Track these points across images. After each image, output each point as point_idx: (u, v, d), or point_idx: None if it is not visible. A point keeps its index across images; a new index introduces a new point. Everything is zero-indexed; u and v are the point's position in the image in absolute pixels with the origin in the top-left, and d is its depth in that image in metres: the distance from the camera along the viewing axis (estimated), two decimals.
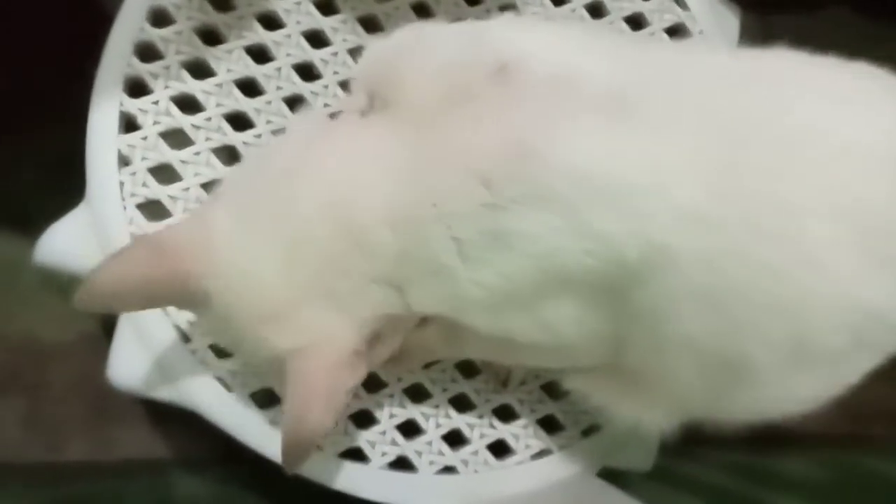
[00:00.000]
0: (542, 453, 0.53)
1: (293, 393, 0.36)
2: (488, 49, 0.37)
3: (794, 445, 0.69)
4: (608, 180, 0.33)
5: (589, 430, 0.54)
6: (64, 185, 0.50)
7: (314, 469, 0.48)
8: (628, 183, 0.33)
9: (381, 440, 0.51)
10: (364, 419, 0.51)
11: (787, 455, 0.68)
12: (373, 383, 0.51)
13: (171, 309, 0.47)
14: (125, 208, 0.49)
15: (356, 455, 0.50)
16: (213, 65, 0.54)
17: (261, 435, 0.48)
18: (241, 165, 0.46)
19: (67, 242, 0.48)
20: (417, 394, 0.52)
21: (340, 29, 0.56)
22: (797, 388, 0.37)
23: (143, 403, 0.61)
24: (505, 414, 0.54)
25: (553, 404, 0.54)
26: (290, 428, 0.37)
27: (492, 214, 0.34)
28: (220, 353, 0.48)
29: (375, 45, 0.41)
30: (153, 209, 0.50)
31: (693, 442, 0.52)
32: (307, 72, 0.56)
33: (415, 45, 0.39)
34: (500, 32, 0.38)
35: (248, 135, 0.53)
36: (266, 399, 0.49)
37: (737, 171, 0.33)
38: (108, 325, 0.51)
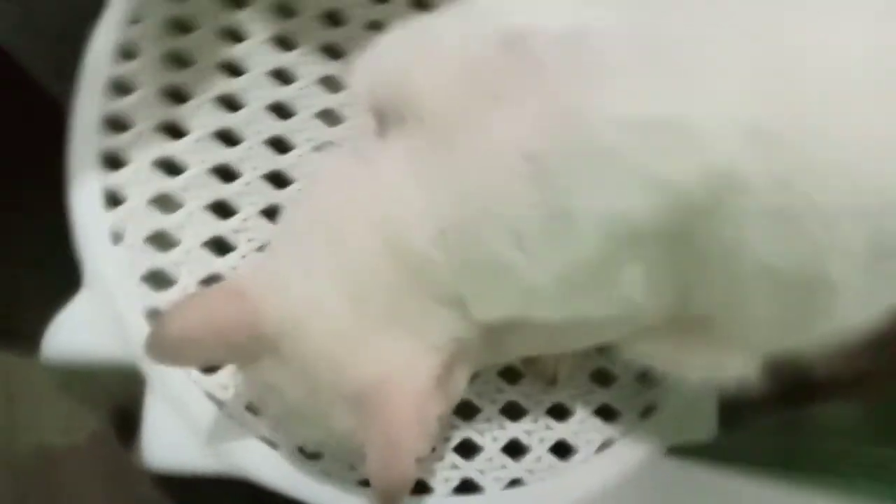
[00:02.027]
0: (604, 445, 0.51)
1: (382, 425, 0.34)
2: (492, 29, 0.35)
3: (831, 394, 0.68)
4: (657, 121, 0.31)
5: (647, 412, 0.52)
6: (52, 279, 0.47)
7: None
8: (679, 117, 0.31)
9: (440, 466, 0.49)
10: None
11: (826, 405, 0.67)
12: None
13: (199, 375, 0.45)
14: (130, 285, 0.47)
15: (418, 488, 0.48)
16: (187, 123, 0.52)
17: (318, 488, 0.45)
18: (284, 217, 0.45)
19: (76, 333, 0.46)
20: (466, 410, 0.50)
21: (303, 62, 0.55)
22: (877, 297, 0.36)
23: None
24: (559, 413, 0.52)
25: (605, 392, 0.52)
26: (385, 464, 0.34)
27: (546, 194, 0.33)
28: (257, 411, 0.46)
29: (366, 63, 0.39)
30: (158, 279, 0.48)
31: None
32: (283, 111, 0.55)
33: (414, 48, 0.38)
34: (496, 9, 0.37)
35: (238, 184, 0.51)
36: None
37: (787, 81, 0.32)
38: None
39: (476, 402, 0.51)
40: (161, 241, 0.49)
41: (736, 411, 0.52)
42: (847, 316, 0.36)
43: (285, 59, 0.55)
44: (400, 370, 0.35)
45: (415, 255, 0.35)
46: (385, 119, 0.37)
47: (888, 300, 0.36)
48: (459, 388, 0.39)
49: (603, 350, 0.54)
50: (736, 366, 0.40)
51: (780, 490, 0.39)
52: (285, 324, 0.36)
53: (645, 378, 0.53)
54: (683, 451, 0.51)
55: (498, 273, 0.34)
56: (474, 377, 0.51)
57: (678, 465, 0.48)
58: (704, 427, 0.52)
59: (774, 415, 0.62)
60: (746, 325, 0.37)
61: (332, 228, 0.37)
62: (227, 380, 0.46)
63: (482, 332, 0.37)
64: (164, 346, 0.36)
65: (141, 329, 0.45)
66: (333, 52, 0.57)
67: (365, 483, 0.46)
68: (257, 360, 0.37)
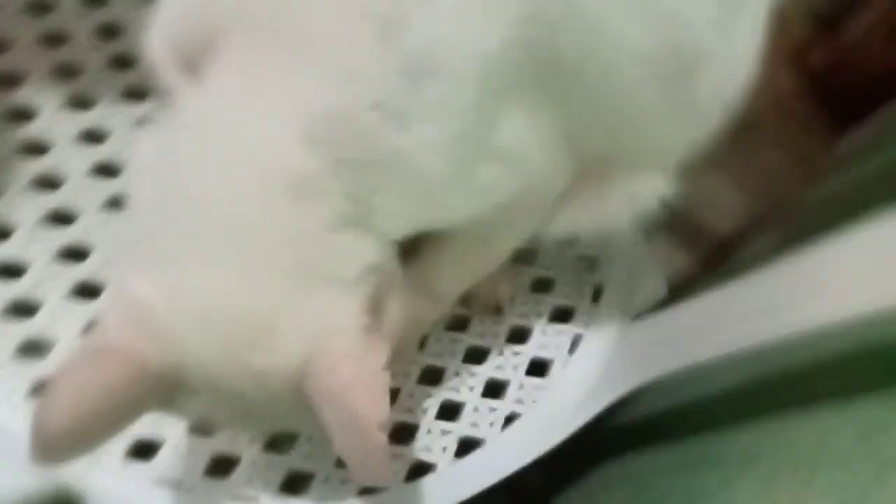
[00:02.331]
0: (574, 343, 0.50)
1: (332, 406, 0.31)
2: None
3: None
4: None
5: (597, 295, 0.52)
6: None
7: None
8: None
9: (431, 439, 0.46)
10: (405, 433, 0.46)
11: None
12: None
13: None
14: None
15: (419, 470, 0.45)
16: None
17: None
18: (120, 221, 0.40)
19: None
20: (433, 376, 0.48)
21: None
22: (742, 46, 0.36)
23: None
24: (520, 336, 0.50)
25: (551, 297, 0.51)
26: (352, 444, 0.31)
27: (398, 54, 0.31)
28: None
29: (160, 23, 0.36)
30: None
31: None
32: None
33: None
34: None
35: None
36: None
37: None
38: None
39: (438, 363, 0.48)
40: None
41: (671, 294, 0.52)
42: (724, 81, 0.36)
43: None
44: (324, 336, 0.31)
45: (289, 178, 0.31)
46: (194, 67, 0.34)
47: (755, 51, 0.37)
48: (395, 320, 0.35)
49: (533, 259, 0.53)
50: (651, 187, 0.40)
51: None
52: (177, 354, 0.31)
53: (581, 266, 0.53)
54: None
55: (380, 165, 0.32)
56: (425, 341, 0.49)
57: (651, 322, 0.47)
58: (654, 285, 0.52)
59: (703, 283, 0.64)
60: (643, 135, 0.37)
61: (183, 210, 0.32)
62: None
63: (395, 255, 0.34)
64: (53, 445, 0.29)
65: None
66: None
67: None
68: (171, 400, 0.32)
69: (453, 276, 0.43)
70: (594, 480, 0.51)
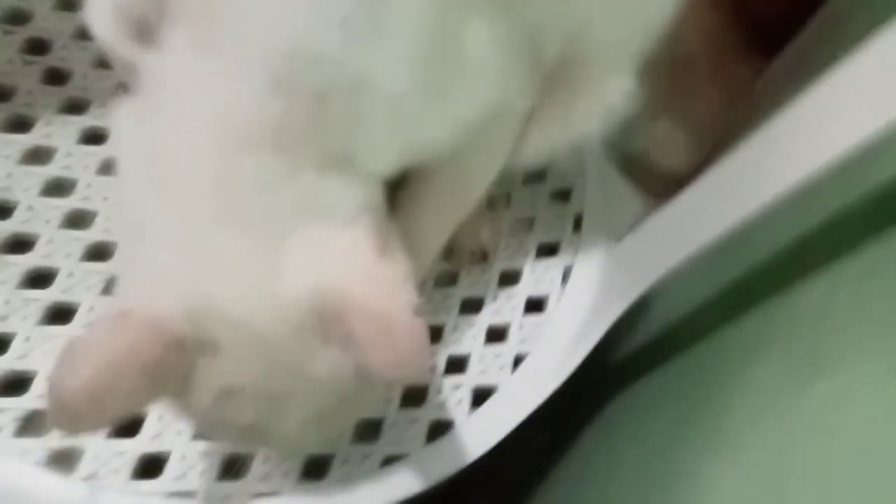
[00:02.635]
0: (566, 274, 0.49)
1: (359, 309, 0.29)
2: None
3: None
4: None
5: (577, 224, 0.51)
6: None
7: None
8: None
9: (445, 395, 0.44)
10: (415, 396, 0.44)
11: None
12: None
13: None
14: None
15: (439, 429, 0.43)
16: None
17: None
18: (118, 208, 0.39)
19: None
20: (432, 335, 0.46)
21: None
22: None
23: None
24: (511, 279, 0.49)
25: (533, 234, 0.51)
26: (387, 346, 0.29)
27: None
28: None
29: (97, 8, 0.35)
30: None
31: None
32: None
33: None
34: None
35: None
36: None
37: None
38: None
39: (435, 321, 0.47)
40: None
41: None
42: None
43: None
44: (338, 257, 0.31)
45: (266, 125, 0.30)
46: (148, 31, 0.33)
47: None
48: (402, 256, 0.33)
49: (509, 203, 0.52)
50: (614, 86, 0.40)
51: None
52: (197, 310, 0.30)
53: (554, 201, 0.52)
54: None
55: (353, 89, 0.31)
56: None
57: (636, 235, 0.47)
58: (630, 202, 0.51)
59: None
60: (601, 36, 0.37)
61: (171, 175, 0.31)
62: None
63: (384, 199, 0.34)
64: (74, 409, 0.28)
65: None
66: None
67: None
68: (186, 376, 0.31)
69: (436, 222, 0.42)
70: (602, 420, 0.50)
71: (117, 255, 0.35)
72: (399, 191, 0.40)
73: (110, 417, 0.31)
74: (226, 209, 0.31)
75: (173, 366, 0.30)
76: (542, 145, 0.42)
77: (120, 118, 0.34)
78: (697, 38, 0.80)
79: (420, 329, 0.29)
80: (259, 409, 0.33)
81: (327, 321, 0.30)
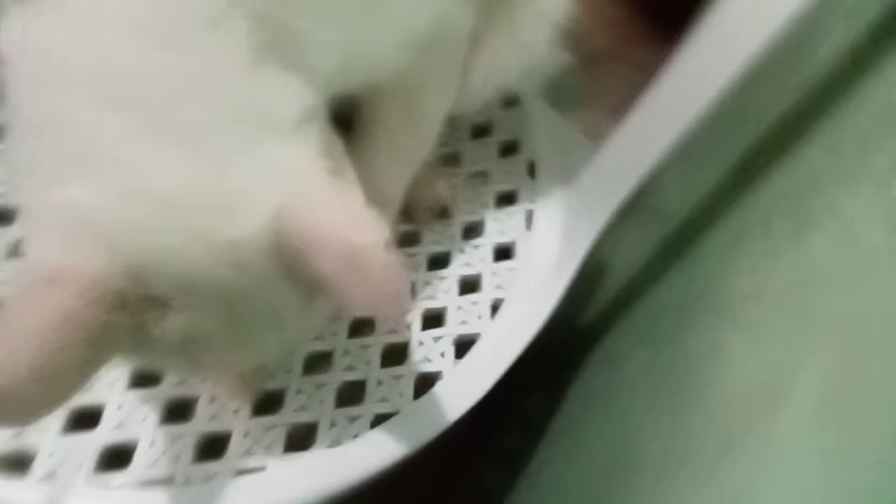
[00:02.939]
0: (529, 218, 0.48)
1: (322, 238, 0.26)
2: None
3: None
4: None
5: (531, 170, 0.51)
6: None
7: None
8: None
9: (428, 353, 0.42)
10: (398, 353, 0.42)
11: None
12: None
13: None
14: None
15: (427, 385, 0.41)
16: None
17: None
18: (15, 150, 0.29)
19: None
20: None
21: None
22: None
23: None
24: (475, 231, 0.48)
25: (490, 187, 0.50)
26: (356, 268, 0.26)
27: None
28: None
29: None
30: None
31: None
32: None
33: None
34: None
35: None
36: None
37: None
38: None
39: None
40: None
41: None
42: None
43: None
44: (287, 182, 0.28)
45: (194, 10, 0.27)
46: None
47: None
48: (359, 189, 0.30)
49: (460, 159, 0.52)
50: (554, 2, 0.40)
51: None
52: (138, 266, 0.26)
53: (505, 153, 0.52)
54: None
55: None
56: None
57: (591, 167, 0.46)
58: (578, 140, 0.52)
59: None
60: None
61: (86, 86, 0.27)
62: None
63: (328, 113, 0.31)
64: (16, 398, 0.24)
65: None
66: None
67: None
68: (136, 329, 0.26)
69: (393, 166, 0.41)
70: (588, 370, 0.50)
71: (21, 200, 0.27)
72: (352, 139, 0.38)
73: (63, 396, 0.25)
74: (157, 120, 0.27)
75: (120, 327, 0.26)
76: (494, 73, 0.41)
77: (9, 28, 0.28)
78: (603, 32, 0.83)
79: (393, 260, 0.27)
80: (227, 346, 0.29)
81: (290, 262, 0.27)
